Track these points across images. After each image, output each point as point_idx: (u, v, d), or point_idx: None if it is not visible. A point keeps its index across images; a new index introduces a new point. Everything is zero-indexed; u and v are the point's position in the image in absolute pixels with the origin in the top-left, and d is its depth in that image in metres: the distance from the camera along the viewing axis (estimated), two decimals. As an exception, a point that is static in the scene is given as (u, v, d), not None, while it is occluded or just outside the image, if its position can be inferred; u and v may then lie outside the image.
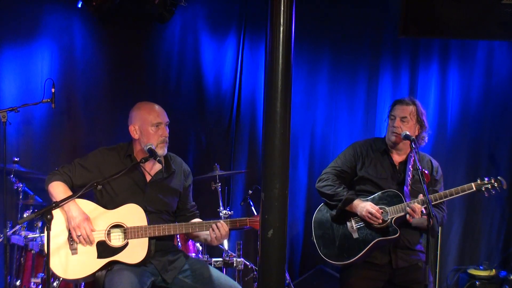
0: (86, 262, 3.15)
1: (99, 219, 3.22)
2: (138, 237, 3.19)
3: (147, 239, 3.20)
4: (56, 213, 3.15)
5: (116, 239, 3.21)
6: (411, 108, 3.62)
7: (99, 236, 3.19)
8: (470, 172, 5.46)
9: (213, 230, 3.28)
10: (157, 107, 3.41)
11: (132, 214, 3.23)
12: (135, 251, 3.18)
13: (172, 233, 3.28)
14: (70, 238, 3.16)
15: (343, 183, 3.69)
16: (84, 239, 3.12)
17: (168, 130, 3.41)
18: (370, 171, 3.67)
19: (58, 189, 3.23)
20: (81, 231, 3.11)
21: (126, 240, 3.20)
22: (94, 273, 3.17)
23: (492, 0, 4.35)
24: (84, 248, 3.16)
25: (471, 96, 5.54)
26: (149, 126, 3.31)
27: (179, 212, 3.52)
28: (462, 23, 4.42)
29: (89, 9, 4.68)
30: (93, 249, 3.17)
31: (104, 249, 3.17)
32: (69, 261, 3.13)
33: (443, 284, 5.43)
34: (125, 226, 3.21)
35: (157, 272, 3.28)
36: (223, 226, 3.28)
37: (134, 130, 3.36)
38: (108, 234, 3.21)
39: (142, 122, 3.33)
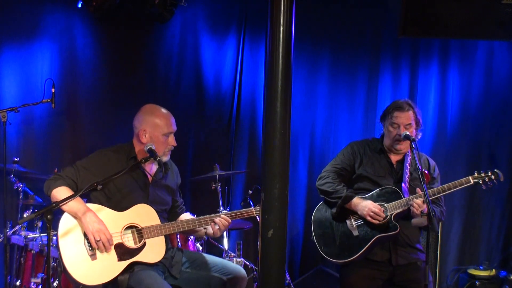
0: (109, 266, 3.10)
1: (111, 221, 3.18)
2: (154, 236, 3.21)
3: (163, 237, 3.23)
4: (70, 219, 3.12)
5: (129, 240, 3.19)
6: (411, 112, 3.64)
7: (115, 239, 3.16)
8: (470, 171, 5.39)
9: (215, 223, 3.35)
10: (170, 115, 3.41)
11: (144, 214, 3.24)
12: (154, 250, 3.20)
13: (186, 229, 3.31)
14: (88, 244, 3.10)
15: (343, 181, 3.70)
16: (104, 243, 3.07)
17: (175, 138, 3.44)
18: (368, 169, 3.68)
19: (63, 194, 3.13)
20: (100, 236, 3.07)
21: (142, 240, 3.19)
22: (116, 277, 3.11)
23: (492, 0, 4.34)
24: (103, 253, 3.11)
25: (471, 96, 5.54)
26: (161, 135, 3.32)
27: (170, 210, 3.54)
28: (462, 23, 4.42)
29: (89, 9, 4.69)
30: (112, 253, 3.12)
31: (123, 251, 3.14)
32: (91, 267, 3.07)
33: (443, 284, 5.43)
34: (140, 227, 3.21)
35: (165, 269, 3.30)
36: (222, 221, 3.36)
37: (144, 134, 3.34)
38: (127, 235, 3.19)
39: (153, 129, 3.33)
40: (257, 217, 3.53)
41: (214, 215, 3.38)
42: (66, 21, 4.88)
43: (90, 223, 3.07)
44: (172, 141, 3.38)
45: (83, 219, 3.09)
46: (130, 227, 3.21)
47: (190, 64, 5.22)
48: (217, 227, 3.35)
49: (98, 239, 3.06)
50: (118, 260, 3.12)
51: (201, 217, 3.40)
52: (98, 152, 3.37)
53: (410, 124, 3.61)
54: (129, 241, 3.18)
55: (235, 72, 5.31)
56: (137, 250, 3.17)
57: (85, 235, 3.11)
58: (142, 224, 3.21)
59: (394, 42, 5.46)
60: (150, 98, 4.89)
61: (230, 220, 3.38)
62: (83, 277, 3.04)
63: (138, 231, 3.21)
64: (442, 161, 5.28)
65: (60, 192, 3.15)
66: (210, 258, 3.44)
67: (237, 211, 3.48)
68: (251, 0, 5.29)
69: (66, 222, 3.11)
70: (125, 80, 5.07)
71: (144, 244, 3.19)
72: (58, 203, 2.98)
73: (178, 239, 4.12)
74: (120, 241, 3.16)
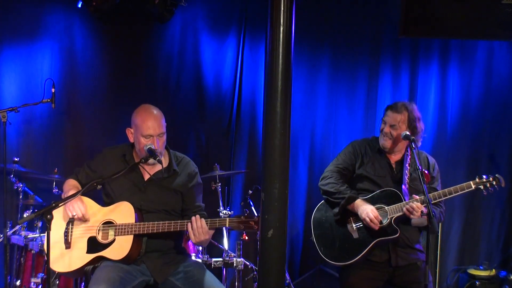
0: (76, 256, 3.21)
1: (94, 215, 3.27)
2: (125, 234, 3.21)
3: (132, 236, 3.20)
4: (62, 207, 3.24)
5: (103, 235, 3.25)
6: (402, 116, 3.63)
7: (91, 231, 3.24)
8: (470, 172, 5.46)
9: (191, 225, 3.16)
10: (152, 117, 3.28)
11: (122, 212, 3.26)
12: (120, 248, 3.20)
13: (155, 231, 3.19)
14: (66, 233, 3.23)
15: (346, 181, 3.70)
16: (79, 218, 3.20)
17: (161, 141, 3.30)
18: (368, 169, 3.68)
19: (67, 185, 3.38)
20: (75, 211, 3.18)
21: (115, 236, 3.22)
22: (83, 268, 3.22)
23: (492, 0, 4.35)
24: (77, 244, 3.22)
25: (471, 96, 5.54)
26: (140, 136, 3.29)
27: (183, 212, 3.47)
28: (462, 23, 4.42)
29: (89, 9, 4.69)
30: (84, 245, 3.22)
31: (93, 244, 3.22)
32: (62, 254, 3.21)
33: (443, 284, 5.43)
34: (115, 223, 3.24)
35: (149, 273, 3.26)
36: (196, 221, 3.15)
37: (130, 134, 3.38)
38: (102, 230, 3.25)
39: (135, 129, 3.33)
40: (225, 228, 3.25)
41: (186, 221, 3.20)
42: (66, 21, 4.88)
43: (70, 202, 3.21)
44: (153, 144, 3.25)
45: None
46: (108, 222, 3.26)
47: (190, 64, 5.21)
48: (191, 231, 3.15)
49: (74, 214, 3.19)
50: (87, 252, 3.22)
51: (173, 221, 3.23)
52: (103, 150, 3.49)
53: (394, 126, 3.63)
54: (102, 236, 3.24)
55: (235, 72, 5.31)
56: (105, 246, 3.22)
57: (67, 223, 3.24)
58: (118, 221, 3.25)
59: (394, 42, 5.46)
60: (150, 98, 4.87)
61: (204, 225, 3.14)
62: (52, 262, 3.15)
63: (112, 228, 3.24)
64: (442, 161, 5.28)
65: (66, 184, 3.42)
66: (202, 274, 3.28)
67: (214, 219, 3.22)
68: (251, 0, 5.29)
69: (59, 209, 3.21)
70: (125, 80, 5.07)
71: (113, 241, 3.22)
72: (58, 203, 3.00)
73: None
74: (94, 234, 3.23)
